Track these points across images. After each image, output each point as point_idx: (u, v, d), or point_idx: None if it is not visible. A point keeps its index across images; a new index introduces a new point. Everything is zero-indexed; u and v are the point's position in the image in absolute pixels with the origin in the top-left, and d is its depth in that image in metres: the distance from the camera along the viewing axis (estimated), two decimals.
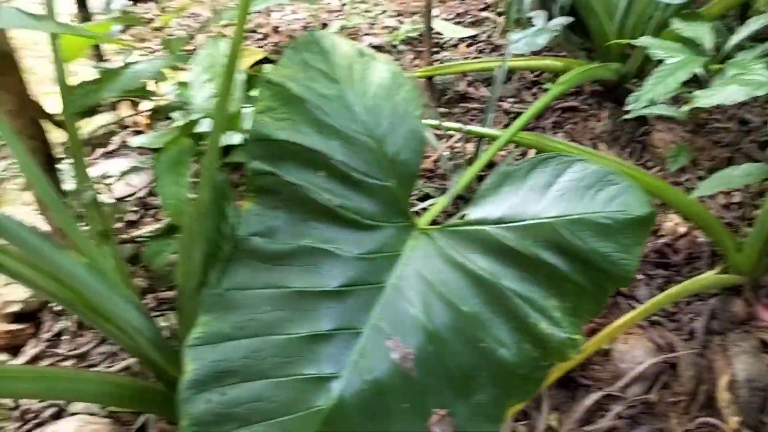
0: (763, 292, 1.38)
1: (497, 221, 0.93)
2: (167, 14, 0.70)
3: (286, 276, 0.80)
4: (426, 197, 1.66)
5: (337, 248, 0.85)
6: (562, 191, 0.92)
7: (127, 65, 0.75)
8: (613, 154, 2.01)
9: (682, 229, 1.57)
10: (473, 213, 0.95)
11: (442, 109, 2.16)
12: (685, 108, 1.10)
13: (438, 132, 1.77)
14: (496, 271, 0.90)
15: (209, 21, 0.88)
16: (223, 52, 0.75)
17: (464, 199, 1.52)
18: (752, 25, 1.26)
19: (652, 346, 1.28)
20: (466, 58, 2.39)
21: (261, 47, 2.43)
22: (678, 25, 1.36)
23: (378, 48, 2.44)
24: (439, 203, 1.05)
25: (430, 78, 2.13)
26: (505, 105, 2.19)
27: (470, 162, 1.53)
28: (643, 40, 1.31)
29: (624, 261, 0.89)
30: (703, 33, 1.30)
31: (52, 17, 0.81)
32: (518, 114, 2.15)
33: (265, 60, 2.11)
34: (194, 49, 1.98)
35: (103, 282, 0.75)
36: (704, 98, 1.06)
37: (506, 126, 2.10)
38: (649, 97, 1.16)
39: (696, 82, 1.27)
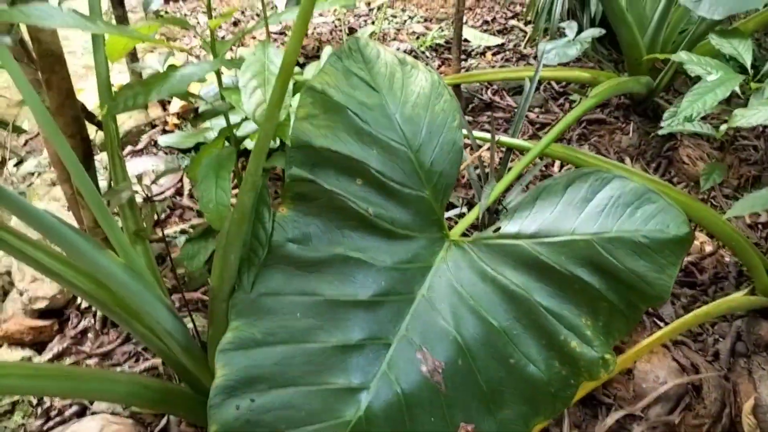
0: None
1: (532, 236, 0.92)
2: (215, 19, 0.69)
3: (319, 284, 0.80)
4: (450, 206, 1.66)
5: (371, 257, 0.85)
6: (600, 208, 0.91)
7: (173, 68, 0.75)
8: (638, 168, 1.99)
9: (708, 248, 1.55)
10: (508, 226, 0.95)
11: (467, 117, 2.15)
12: (723, 127, 1.08)
13: (465, 141, 1.76)
14: (529, 286, 0.89)
15: (254, 26, 0.88)
16: (272, 58, 0.75)
17: (490, 211, 1.51)
18: None
19: (675, 366, 1.26)
20: (492, 67, 2.38)
21: None
22: (716, 41, 1.34)
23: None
24: (470, 215, 1.04)
25: (457, 86, 2.12)
26: (531, 115, 2.17)
27: (496, 172, 1.52)
28: (681, 55, 1.29)
29: (660, 281, 0.88)
30: (743, 50, 1.29)
31: (100, 17, 0.81)
32: (544, 125, 2.14)
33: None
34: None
35: (139, 283, 0.75)
36: (744, 118, 1.04)
37: (531, 136, 2.09)
38: (687, 114, 1.15)
39: (727, 101, 1.26)
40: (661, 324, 1.39)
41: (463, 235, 1.03)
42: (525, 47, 2.51)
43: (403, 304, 0.87)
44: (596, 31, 1.79)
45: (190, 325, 1.07)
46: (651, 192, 0.91)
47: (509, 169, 1.49)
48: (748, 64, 1.25)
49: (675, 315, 1.39)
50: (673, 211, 0.90)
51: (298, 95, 0.90)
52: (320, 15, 2.71)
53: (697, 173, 1.97)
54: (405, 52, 2.44)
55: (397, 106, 0.92)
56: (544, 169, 1.91)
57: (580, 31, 1.87)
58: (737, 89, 1.20)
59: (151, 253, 0.91)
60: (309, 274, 0.80)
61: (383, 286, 0.85)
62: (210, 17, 0.80)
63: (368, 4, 2.80)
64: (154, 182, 0.96)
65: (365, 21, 2.68)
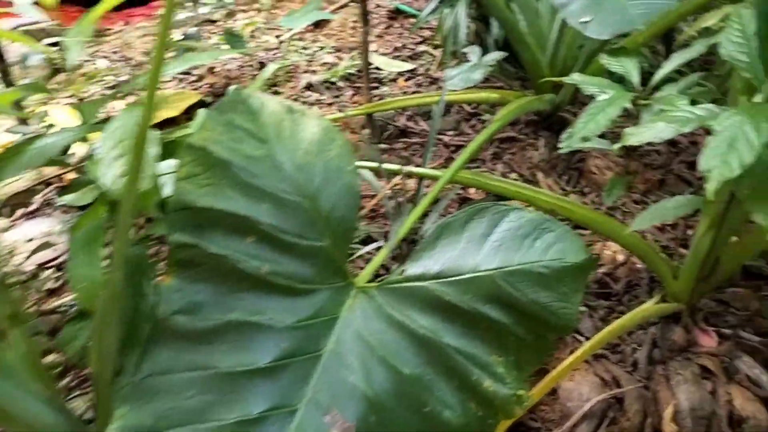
0: (701, 317, 1.42)
1: (436, 276, 0.91)
2: (79, 82, 0.65)
3: (213, 356, 0.75)
4: (368, 240, 1.64)
5: (269, 319, 0.81)
6: (500, 242, 0.91)
7: (32, 139, 0.69)
8: (551, 182, 2.05)
9: (621, 257, 1.60)
10: (412, 268, 0.93)
11: (383, 145, 2.16)
12: (616, 146, 1.11)
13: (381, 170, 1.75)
14: (437, 328, 0.88)
15: (126, 84, 0.83)
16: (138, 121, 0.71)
17: (409, 242, 1.50)
18: (676, 60, 1.31)
19: (597, 381, 1.28)
20: (405, 93, 2.41)
21: (196, 89, 2.37)
22: (606, 60, 1.40)
23: (316, 86, 2.42)
24: (377, 258, 1.02)
25: (370, 115, 2.12)
26: (446, 138, 2.20)
27: (412, 200, 1.51)
28: (574, 78, 1.33)
29: (564, 310, 0.88)
30: (630, 68, 1.34)
31: None
32: (458, 147, 2.17)
33: (200, 103, 2.06)
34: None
35: (4, 381, 0.68)
36: (634, 136, 1.07)
37: (447, 160, 2.11)
38: (581, 135, 1.18)
39: (628, 116, 1.30)
40: (582, 339, 1.42)
41: (375, 278, 1.01)
42: (436, 71, 2.55)
43: (309, 363, 0.83)
44: (498, 55, 1.83)
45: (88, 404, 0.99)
46: (548, 221, 0.92)
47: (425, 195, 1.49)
48: (636, 81, 1.30)
49: (594, 328, 1.42)
50: (570, 239, 0.91)
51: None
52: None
53: (605, 182, 2.05)
54: (318, 83, 2.43)
55: (287, 156, 0.89)
56: (461, 191, 1.92)
57: (487, 51, 1.92)
58: (629, 105, 1.24)
59: (31, 338, 0.83)
60: (200, 346, 0.75)
61: (285, 347, 0.81)
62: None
63: (277, 37, 2.78)
64: (36, 251, 0.89)
65: (275, 54, 2.66)
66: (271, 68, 1.59)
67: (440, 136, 2.21)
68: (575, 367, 1.29)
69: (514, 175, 2.09)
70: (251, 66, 2.54)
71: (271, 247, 0.85)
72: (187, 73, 2.47)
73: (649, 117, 1.35)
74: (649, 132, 1.06)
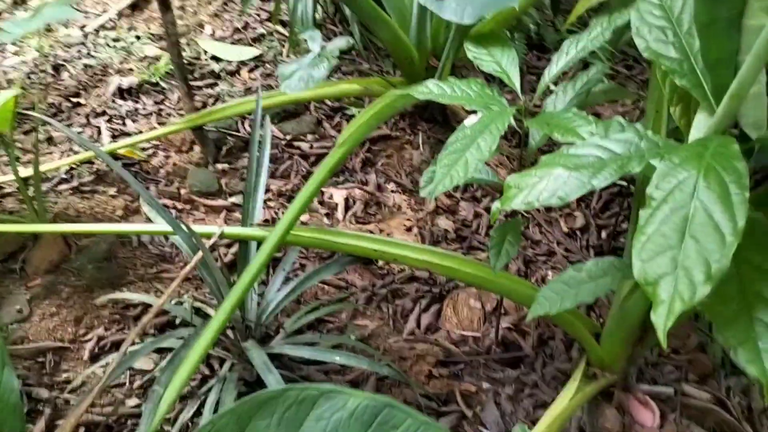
0: (634, 377, 1.09)
1: None
2: None
3: None
4: (198, 312, 1.16)
5: None
6: None
7: None
8: None
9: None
10: None
11: (221, 165, 1.67)
12: (497, 206, 0.71)
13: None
14: None
15: None
16: None
17: (241, 330, 1.05)
18: (567, 56, 0.90)
19: None
20: (248, 88, 1.90)
21: None
22: (473, 53, 0.98)
23: (131, 91, 1.86)
24: None
25: (199, 128, 1.62)
26: (303, 146, 1.74)
27: (232, 267, 1.07)
28: (429, 89, 0.91)
29: None
30: (508, 64, 0.94)
31: None
32: (319, 156, 1.71)
33: None
34: None
35: None
36: (521, 193, 0.68)
37: (306, 176, 1.66)
38: (445, 186, 0.77)
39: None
40: None
41: None
42: (287, 55, 2.06)
43: None
44: (342, 43, 1.37)
45: None
46: (388, 408, 0.50)
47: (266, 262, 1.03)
48: (517, 85, 0.90)
49: (501, 419, 1.05)
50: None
51: None
52: (15, 54, 2.03)
53: (500, 183, 1.68)
54: (132, 88, 1.87)
55: None
56: (304, 251, 1.44)
57: (349, 31, 1.46)
58: (513, 122, 0.84)
59: None
60: None
61: None
62: None
63: (82, 27, 2.16)
64: None
65: (79, 51, 2.05)
66: (4, 96, 1.05)
67: (297, 144, 1.75)
68: None
69: (392, 186, 1.68)
70: (44, 72, 1.93)
71: None
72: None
73: (537, 138, 0.96)
74: (543, 186, 0.66)
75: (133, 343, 1.02)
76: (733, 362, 1.20)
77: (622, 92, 1.25)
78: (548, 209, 1.64)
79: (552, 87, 1.38)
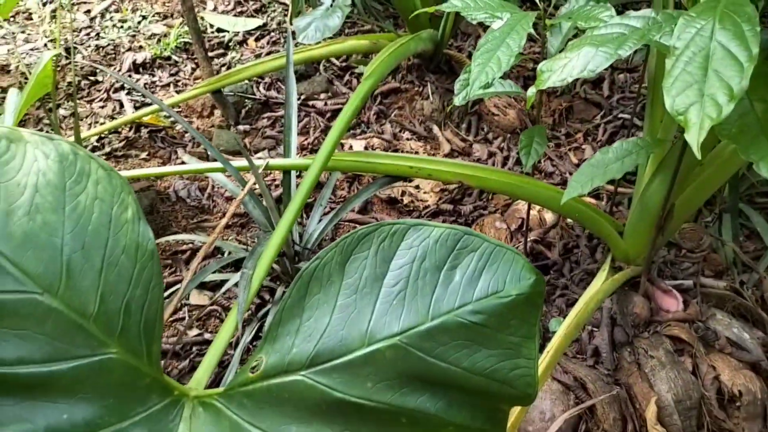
0: (655, 272, 1.17)
1: (311, 362, 0.55)
2: None
3: None
4: (237, 264, 1.23)
5: None
6: (400, 286, 0.57)
7: None
8: (450, 134, 1.73)
9: (549, 217, 1.32)
10: (272, 355, 0.57)
11: (243, 127, 1.74)
12: (531, 91, 0.79)
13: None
14: None
15: None
16: None
17: (288, 258, 1.13)
18: None
19: (558, 388, 1.00)
20: (258, 56, 1.97)
21: None
22: None
23: (146, 65, 1.93)
24: (217, 343, 0.65)
25: (218, 91, 1.68)
26: (318, 104, 1.81)
27: (277, 205, 1.14)
28: (453, 3, 0.98)
29: (518, 371, 0.56)
30: None
31: None
32: (335, 112, 1.79)
33: None
34: None
35: None
36: (553, 73, 0.76)
37: (324, 131, 1.73)
38: (481, 83, 0.85)
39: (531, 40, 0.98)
40: None
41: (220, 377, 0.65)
42: (291, 22, 2.13)
43: None
44: None
45: None
46: (467, 235, 0.58)
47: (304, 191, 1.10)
48: None
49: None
50: (504, 256, 0.58)
51: None
52: (25, 41, 2.08)
53: (510, 123, 1.76)
54: (146, 62, 1.94)
55: None
56: (348, 185, 1.54)
57: None
58: (532, 30, 0.92)
59: None
60: None
61: None
62: None
63: (87, 12, 2.21)
64: None
65: (88, 35, 2.11)
66: (46, 57, 1.12)
67: (311, 103, 1.82)
68: None
69: (406, 135, 1.75)
70: (57, 56, 1.99)
71: (17, 395, 0.47)
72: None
73: (557, 42, 1.04)
74: (573, 64, 0.74)
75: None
76: (743, 260, 1.29)
77: None
78: (557, 144, 1.72)
79: None
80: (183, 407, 0.57)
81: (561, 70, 0.75)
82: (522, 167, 1.57)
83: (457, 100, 0.94)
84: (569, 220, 1.32)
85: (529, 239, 1.26)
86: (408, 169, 1.09)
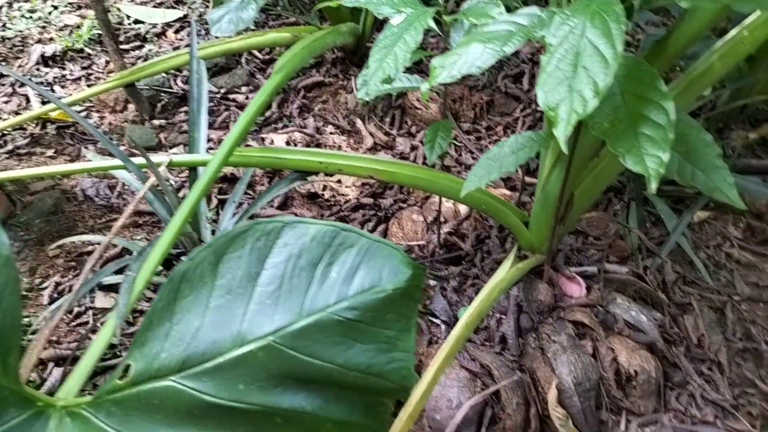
0: (562, 260, 1.21)
1: (180, 367, 0.54)
2: None
3: None
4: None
5: None
6: (275, 285, 0.56)
7: None
8: (373, 128, 1.73)
9: (462, 209, 1.34)
10: (140, 361, 0.55)
11: (158, 122, 1.68)
12: (425, 87, 0.80)
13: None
14: None
15: None
16: None
17: None
18: None
19: (465, 375, 1.03)
20: (176, 48, 1.91)
21: None
22: None
23: (56, 58, 1.84)
24: (85, 361, 0.63)
25: (131, 84, 1.62)
26: (239, 98, 1.77)
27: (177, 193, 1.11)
28: None
29: (394, 365, 0.57)
30: None
31: None
32: None
33: None
34: None
35: None
36: (443, 69, 0.76)
37: None
38: (379, 79, 0.85)
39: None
40: (438, 322, 1.15)
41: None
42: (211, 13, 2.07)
43: None
44: None
45: None
46: (344, 232, 0.58)
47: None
48: None
49: (449, 307, 1.16)
50: (381, 252, 0.58)
51: None
52: None
53: (432, 117, 1.78)
54: (56, 55, 1.84)
55: None
56: (269, 179, 1.52)
57: None
58: (433, 24, 0.92)
59: None
60: None
61: None
62: None
63: None
64: None
65: None
66: None
67: (232, 96, 1.78)
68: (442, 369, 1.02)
69: (330, 129, 1.74)
70: None
71: None
72: None
73: (459, 37, 1.05)
74: (462, 60, 0.75)
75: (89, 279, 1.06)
76: (648, 246, 1.35)
77: None
78: (478, 137, 1.75)
79: None
80: (49, 419, 0.55)
81: (452, 66, 0.76)
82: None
83: (360, 94, 0.94)
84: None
85: (443, 231, 1.28)
86: (318, 165, 1.08)
